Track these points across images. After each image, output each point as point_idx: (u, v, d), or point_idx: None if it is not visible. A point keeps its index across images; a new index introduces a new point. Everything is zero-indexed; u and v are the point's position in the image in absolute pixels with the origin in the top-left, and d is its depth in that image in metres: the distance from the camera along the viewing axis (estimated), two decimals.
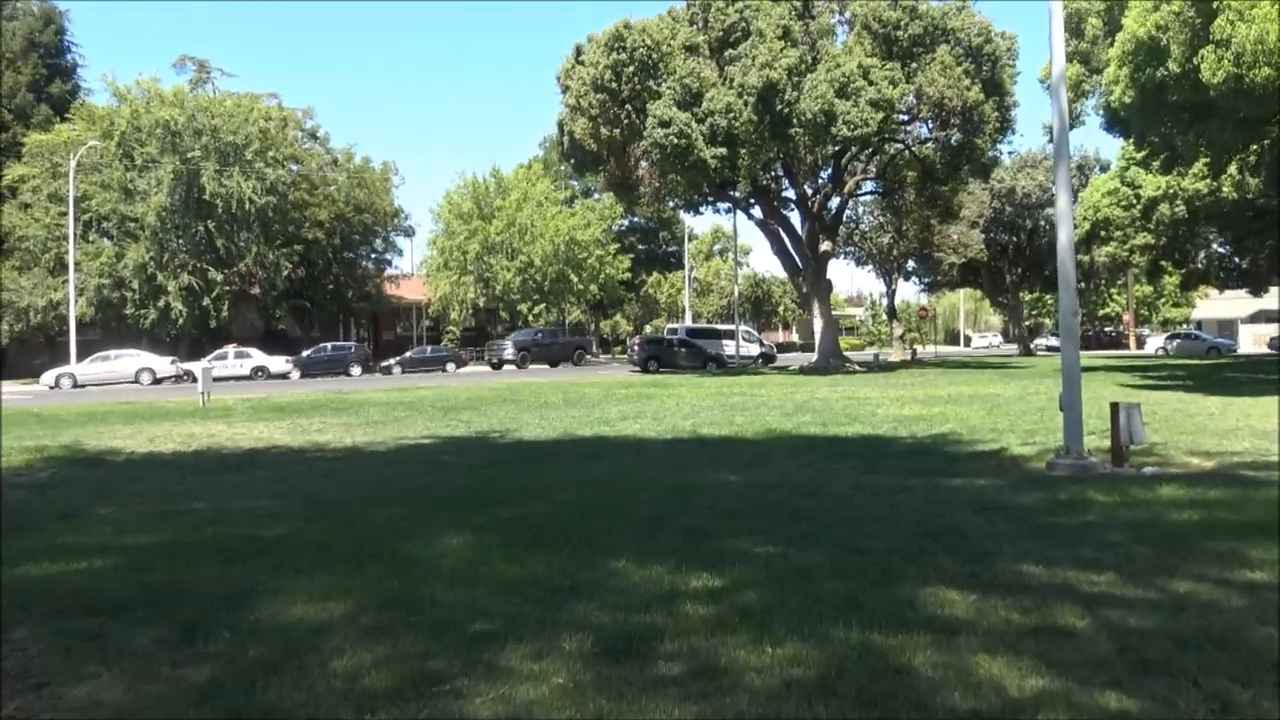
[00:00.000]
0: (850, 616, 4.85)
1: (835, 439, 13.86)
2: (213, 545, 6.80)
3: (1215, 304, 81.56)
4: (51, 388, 39.77)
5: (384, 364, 50.15)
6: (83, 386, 40.01)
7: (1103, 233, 48.12)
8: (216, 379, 42.55)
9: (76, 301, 44.61)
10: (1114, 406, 10.72)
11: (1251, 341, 69.79)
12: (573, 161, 43.15)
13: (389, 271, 62.29)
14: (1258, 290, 61.14)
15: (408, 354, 52.77)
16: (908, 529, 7.13)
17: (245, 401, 24.42)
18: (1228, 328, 76.10)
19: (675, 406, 20.49)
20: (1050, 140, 32.64)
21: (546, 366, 51.86)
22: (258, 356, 46.43)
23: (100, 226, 48.98)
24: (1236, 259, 57.69)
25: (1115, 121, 29.86)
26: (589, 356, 57.31)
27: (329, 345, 50.12)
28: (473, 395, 25.68)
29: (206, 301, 47.81)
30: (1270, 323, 71.22)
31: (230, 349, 46.65)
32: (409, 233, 63.35)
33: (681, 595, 5.34)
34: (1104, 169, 56.05)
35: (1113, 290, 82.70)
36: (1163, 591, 5.38)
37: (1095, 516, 7.55)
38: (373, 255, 60.89)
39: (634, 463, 11.58)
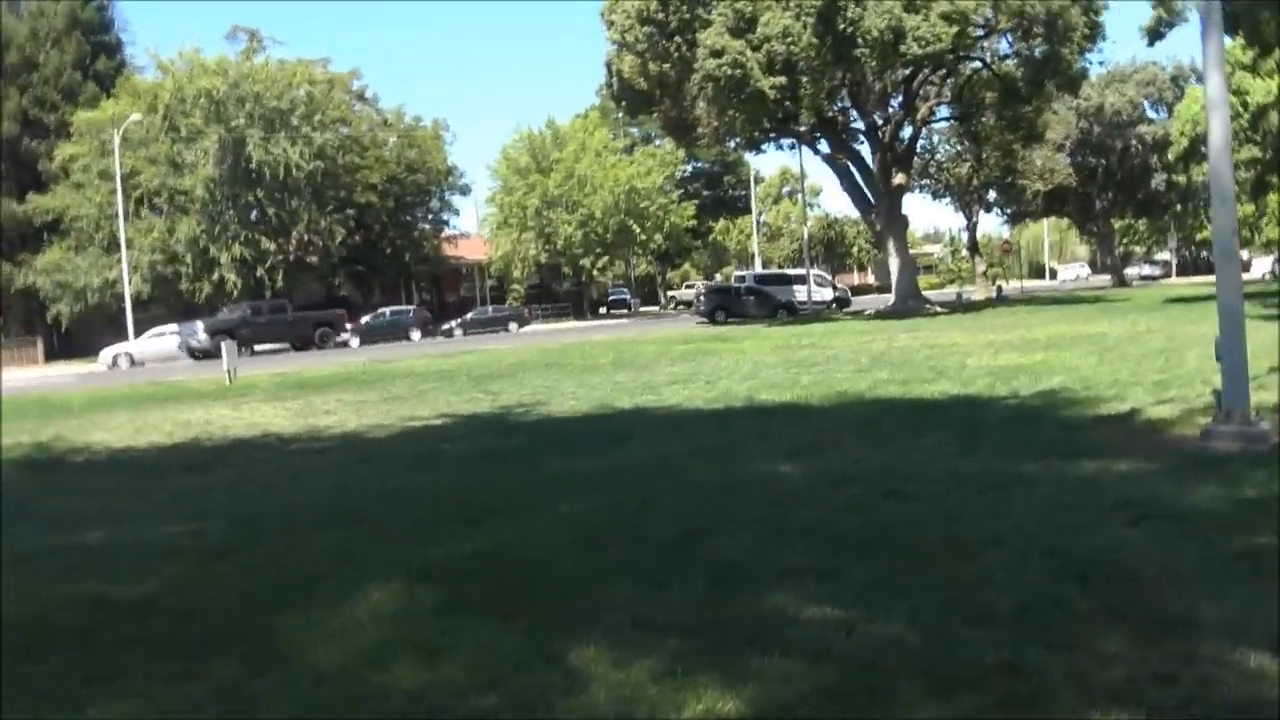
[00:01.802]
0: None
1: (919, 403, 11.45)
2: (22, 629, 4.79)
3: None
4: (110, 367, 39.12)
5: (445, 327, 48.79)
6: (142, 363, 39.26)
7: (1203, 148, 44.20)
8: (274, 350, 41.73)
9: (131, 279, 43.90)
10: None
11: None
12: (624, 104, 40.68)
13: (447, 232, 60.91)
14: None
15: (469, 315, 51.36)
16: (1037, 562, 4.78)
17: (274, 377, 22.81)
18: None
19: (734, 365, 18.19)
20: (1149, 42, 29.18)
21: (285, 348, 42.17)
22: None
23: (151, 202, 48.11)
24: None
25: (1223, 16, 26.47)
26: (337, 337, 45.08)
27: (388, 310, 48.84)
28: (518, 360, 23.72)
29: (261, 272, 46.86)
30: None
31: None
32: (465, 191, 61.70)
33: None
34: (1201, 79, 51.84)
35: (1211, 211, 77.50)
36: None
37: None
38: (429, 216, 59.63)
39: (670, 445, 9.39)
